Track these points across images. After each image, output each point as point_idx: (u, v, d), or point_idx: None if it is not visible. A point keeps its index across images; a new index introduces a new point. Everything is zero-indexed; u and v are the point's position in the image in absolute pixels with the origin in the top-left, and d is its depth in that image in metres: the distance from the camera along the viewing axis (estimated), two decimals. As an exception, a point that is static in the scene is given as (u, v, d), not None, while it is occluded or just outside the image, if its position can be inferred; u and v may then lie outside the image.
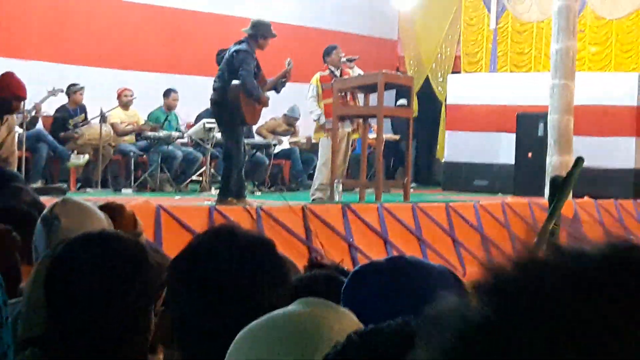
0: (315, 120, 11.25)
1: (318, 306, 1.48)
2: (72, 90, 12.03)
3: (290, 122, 14.41)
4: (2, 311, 1.93)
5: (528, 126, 13.86)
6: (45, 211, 3.09)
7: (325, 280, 2.26)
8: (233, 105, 9.37)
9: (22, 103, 10.05)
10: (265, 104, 9.79)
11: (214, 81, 9.69)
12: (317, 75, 11.18)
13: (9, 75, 8.50)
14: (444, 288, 1.59)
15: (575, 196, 11.48)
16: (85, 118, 12.01)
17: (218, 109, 9.75)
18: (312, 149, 12.82)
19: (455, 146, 15.37)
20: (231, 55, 9.46)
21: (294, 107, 14.06)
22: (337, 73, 11.13)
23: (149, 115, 12.91)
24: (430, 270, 1.71)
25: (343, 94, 10.92)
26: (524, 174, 13.64)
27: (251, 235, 1.95)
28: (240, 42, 9.58)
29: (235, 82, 9.36)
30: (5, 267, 2.98)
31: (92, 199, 9.36)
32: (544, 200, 11.51)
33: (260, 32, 9.62)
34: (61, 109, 11.97)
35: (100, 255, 2.02)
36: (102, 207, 4.27)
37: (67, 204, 3.12)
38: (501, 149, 14.70)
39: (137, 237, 4.05)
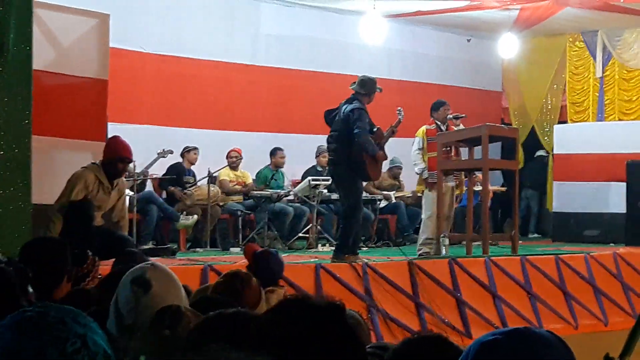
0: (418, 174, 11.22)
1: None
2: (187, 150, 12.33)
3: (394, 174, 14.43)
4: None
5: (639, 174, 13.54)
6: (136, 274, 3.08)
7: (437, 342, 2.24)
8: (357, 163, 9.36)
9: (133, 166, 10.32)
10: (382, 159, 9.82)
11: (328, 142, 9.70)
12: (424, 128, 11.13)
13: (113, 139, 8.61)
14: None
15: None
16: (195, 181, 12.21)
17: (337, 168, 9.68)
18: (417, 203, 12.77)
19: (564, 196, 15.11)
20: (347, 115, 9.45)
21: (394, 157, 14.13)
22: (443, 128, 11.11)
23: (257, 174, 13.09)
24: (549, 344, 1.70)
25: (447, 148, 10.89)
26: (636, 224, 13.29)
27: (319, 304, 1.96)
28: (351, 101, 9.58)
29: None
30: None
31: (201, 258, 9.54)
32: (658, 250, 11.23)
33: (367, 88, 9.67)
34: (175, 165, 12.18)
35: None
36: (229, 276, 4.23)
37: (158, 269, 3.12)
38: (611, 198, 14.39)
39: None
